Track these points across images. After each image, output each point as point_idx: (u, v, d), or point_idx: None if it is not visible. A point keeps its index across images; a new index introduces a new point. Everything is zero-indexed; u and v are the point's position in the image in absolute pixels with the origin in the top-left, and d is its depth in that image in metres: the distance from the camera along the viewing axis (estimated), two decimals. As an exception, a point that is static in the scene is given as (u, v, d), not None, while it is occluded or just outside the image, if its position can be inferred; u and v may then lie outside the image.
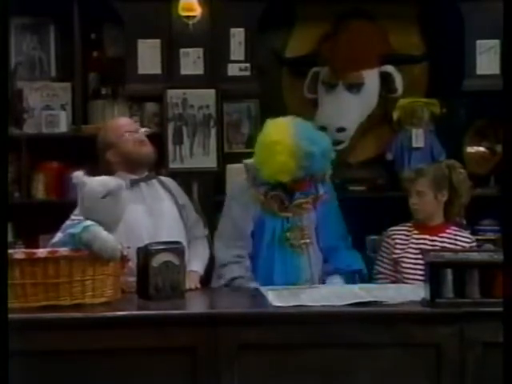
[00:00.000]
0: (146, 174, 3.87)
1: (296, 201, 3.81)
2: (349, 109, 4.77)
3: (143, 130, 3.95)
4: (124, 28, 4.72)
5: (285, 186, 3.78)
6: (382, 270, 4.00)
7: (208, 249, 3.98)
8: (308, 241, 3.83)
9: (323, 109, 4.78)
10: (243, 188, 3.87)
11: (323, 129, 4.62)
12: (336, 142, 4.77)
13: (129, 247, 3.36)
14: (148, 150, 3.84)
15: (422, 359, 3.06)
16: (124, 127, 3.85)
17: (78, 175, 3.32)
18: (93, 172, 3.56)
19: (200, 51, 4.68)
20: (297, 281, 3.75)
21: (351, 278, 3.84)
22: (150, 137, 4.02)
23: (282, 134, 3.70)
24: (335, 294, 3.34)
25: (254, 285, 3.68)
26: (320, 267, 3.87)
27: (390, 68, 4.79)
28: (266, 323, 3.06)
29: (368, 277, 3.93)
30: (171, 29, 4.67)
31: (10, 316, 2.67)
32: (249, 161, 3.90)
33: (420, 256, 3.55)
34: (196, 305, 3.53)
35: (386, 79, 4.80)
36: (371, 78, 4.78)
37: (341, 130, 4.69)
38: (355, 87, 4.78)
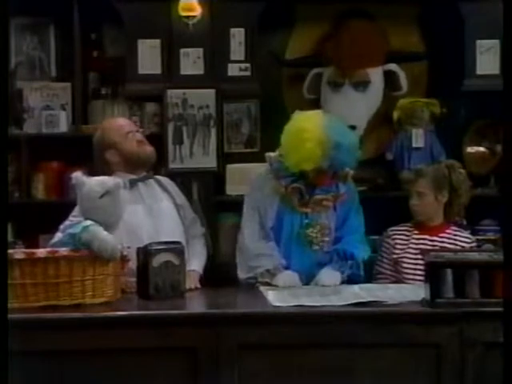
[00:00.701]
0: (144, 173, 3.88)
1: (316, 196, 3.80)
2: (357, 107, 4.76)
3: (141, 130, 3.97)
4: (124, 28, 4.71)
5: (307, 180, 3.78)
6: (382, 270, 4.00)
7: (206, 248, 3.99)
8: (327, 239, 3.83)
9: (330, 108, 4.75)
10: (266, 179, 3.87)
11: None
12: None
13: (129, 247, 3.36)
14: (150, 149, 3.86)
15: (422, 359, 3.06)
16: (125, 127, 3.86)
17: (78, 176, 3.33)
18: (93, 172, 3.56)
19: (200, 51, 4.68)
20: (312, 278, 3.75)
21: (343, 261, 3.82)
22: (149, 137, 4.03)
23: (311, 123, 3.71)
24: (335, 294, 3.35)
25: (285, 273, 3.70)
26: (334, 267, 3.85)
27: (393, 66, 4.79)
28: (267, 323, 3.06)
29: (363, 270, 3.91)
30: (171, 29, 4.67)
31: (10, 316, 2.67)
32: (272, 153, 3.90)
33: (420, 256, 3.55)
34: (196, 305, 3.53)
35: (390, 77, 4.80)
36: (376, 76, 4.78)
37: (352, 128, 4.70)
38: (361, 85, 4.77)
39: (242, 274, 3.80)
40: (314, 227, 3.81)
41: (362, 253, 3.86)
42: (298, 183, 3.79)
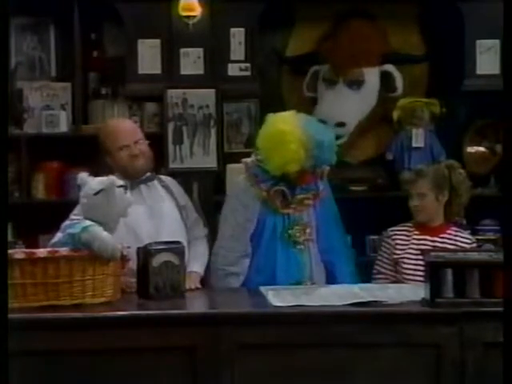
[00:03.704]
0: (148, 174, 3.86)
1: (298, 196, 3.81)
2: (348, 105, 4.78)
3: (141, 141, 3.82)
4: (124, 28, 4.72)
5: (288, 181, 3.78)
6: (382, 270, 4.00)
7: (208, 249, 3.98)
8: (310, 237, 3.83)
9: (323, 104, 4.78)
10: (244, 188, 3.86)
11: (322, 122, 4.61)
12: (335, 137, 4.77)
13: (129, 247, 3.36)
14: (141, 163, 3.76)
15: (422, 359, 3.05)
16: (121, 140, 3.75)
17: (83, 176, 3.32)
18: (95, 172, 3.56)
19: (200, 51, 4.69)
20: (299, 278, 3.75)
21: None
22: (150, 137, 4.00)
23: (289, 124, 3.69)
24: (335, 294, 3.34)
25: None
26: (319, 265, 3.87)
27: (390, 67, 4.80)
28: (267, 323, 3.06)
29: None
30: (171, 29, 4.68)
31: (10, 316, 2.67)
32: (248, 159, 3.90)
33: (420, 257, 3.55)
34: (196, 305, 3.53)
35: (386, 78, 4.81)
36: (371, 75, 4.80)
37: (340, 124, 4.69)
38: (355, 84, 4.79)
39: (214, 281, 3.81)
40: (298, 227, 3.81)
41: (347, 270, 3.89)
42: (280, 185, 3.78)
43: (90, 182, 3.30)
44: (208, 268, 3.88)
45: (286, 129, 3.67)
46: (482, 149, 4.94)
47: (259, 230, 3.81)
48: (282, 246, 3.81)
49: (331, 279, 3.84)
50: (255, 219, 3.80)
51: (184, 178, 4.51)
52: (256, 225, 3.81)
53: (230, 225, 3.83)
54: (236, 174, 4.60)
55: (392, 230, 4.03)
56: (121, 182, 3.35)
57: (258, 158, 3.83)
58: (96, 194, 3.26)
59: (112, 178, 3.36)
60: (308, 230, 3.83)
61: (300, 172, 3.72)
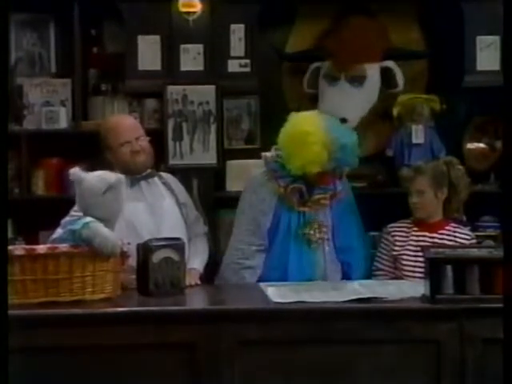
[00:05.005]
0: (148, 171, 3.85)
1: (315, 196, 3.80)
2: (351, 101, 4.75)
3: (142, 137, 3.85)
4: (124, 24, 4.71)
5: (306, 180, 3.77)
6: (381, 266, 4.00)
7: (208, 246, 3.98)
8: (325, 237, 3.83)
9: (325, 101, 4.76)
10: (261, 182, 3.86)
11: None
12: None
13: (129, 243, 3.36)
14: (142, 159, 3.79)
15: (422, 355, 3.06)
16: (123, 136, 3.78)
17: (75, 172, 3.31)
18: (93, 168, 3.56)
19: (200, 47, 4.68)
20: (312, 276, 3.75)
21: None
22: (150, 133, 4.00)
23: (313, 125, 3.69)
24: (335, 290, 3.35)
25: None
26: (334, 265, 3.86)
27: (390, 63, 4.78)
28: (267, 319, 3.06)
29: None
30: (171, 25, 4.67)
31: (9, 312, 2.67)
32: (268, 153, 3.89)
33: (420, 253, 3.55)
34: (196, 301, 3.53)
35: (386, 74, 4.80)
36: (373, 72, 4.78)
37: (343, 121, 4.68)
38: (357, 80, 4.76)
39: (229, 275, 3.81)
40: (312, 226, 3.81)
41: (362, 272, 3.90)
42: (298, 183, 3.78)
43: (90, 179, 3.28)
44: (214, 264, 3.89)
45: (310, 130, 3.66)
46: (481, 145, 4.93)
47: (274, 226, 3.81)
48: (296, 243, 3.80)
49: (346, 279, 3.83)
50: (271, 214, 3.80)
51: (184, 174, 4.51)
52: (271, 220, 3.81)
53: (247, 219, 3.83)
54: (236, 170, 4.64)
55: (391, 227, 4.04)
56: (114, 178, 3.32)
57: (278, 154, 3.81)
58: (104, 192, 3.25)
59: (109, 173, 3.36)
60: (323, 230, 3.82)
61: (320, 173, 3.71)
